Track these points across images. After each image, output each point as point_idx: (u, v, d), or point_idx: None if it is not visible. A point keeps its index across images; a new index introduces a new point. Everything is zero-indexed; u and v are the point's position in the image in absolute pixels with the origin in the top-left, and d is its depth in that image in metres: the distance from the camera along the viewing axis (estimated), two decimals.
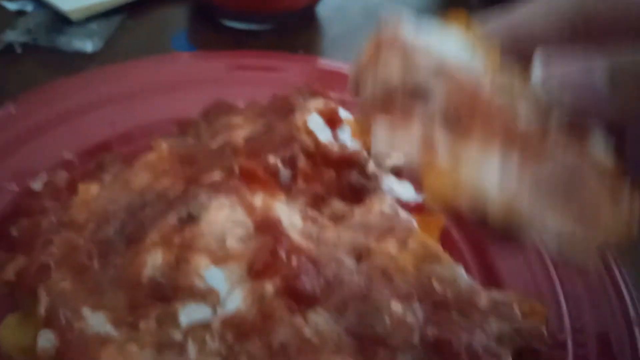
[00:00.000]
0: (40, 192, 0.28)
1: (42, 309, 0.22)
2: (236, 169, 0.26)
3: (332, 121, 0.32)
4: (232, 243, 0.23)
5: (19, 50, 0.42)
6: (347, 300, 0.23)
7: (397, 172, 0.32)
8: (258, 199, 0.25)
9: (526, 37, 0.18)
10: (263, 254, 0.23)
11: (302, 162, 0.30)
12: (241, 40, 0.46)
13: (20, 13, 0.46)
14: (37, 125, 0.32)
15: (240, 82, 0.37)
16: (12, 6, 0.46)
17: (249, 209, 0.24)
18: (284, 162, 0.29)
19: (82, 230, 0.26)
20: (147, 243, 0.24)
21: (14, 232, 0.26)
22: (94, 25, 0.45)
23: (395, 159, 0.34)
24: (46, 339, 0.21)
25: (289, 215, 0.25)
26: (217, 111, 0.33)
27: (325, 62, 0.40)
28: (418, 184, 0.31)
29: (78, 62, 0.42)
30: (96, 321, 0.22)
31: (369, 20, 0.50)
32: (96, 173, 0.29)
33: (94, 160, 0.31)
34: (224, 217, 0.24)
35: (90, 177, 0.29)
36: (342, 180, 0.30)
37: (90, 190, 0.29)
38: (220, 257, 0.22)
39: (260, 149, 0.30)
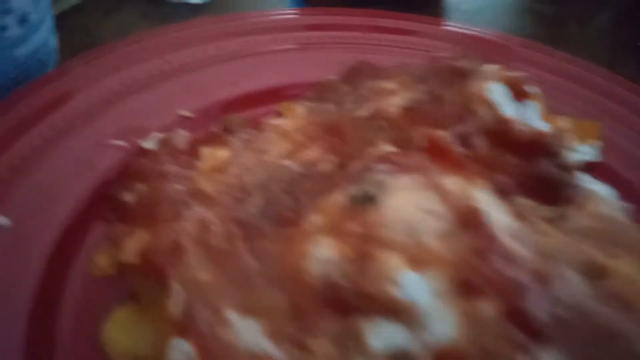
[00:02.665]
0: (155, 152, 0.23)
1: (173, 306, 0.16)
2: (419, 141, 0.20)
3: (517, 94, 0.25)
4: (430, 240, 0.17)
5: None
6: (587, 337, 0.16)
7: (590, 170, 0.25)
8: (451, 183, 0.19)
9: None
10: (475, 260, 0.16)
11: (478, 142, 0.23)
12: (358, 2, 0.40)
13: None
14: (147, 76, 0.27)
15: (380, 44, 0.31)
16: None
17: (443, 194, 0.18)
18: (456, 139, 0.23)
19: (214, 204, 0.20)
20: (306, 227, 0.18)
21: (128, 197, 0.20)
22: None
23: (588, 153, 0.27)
24: (180, 351, 0.15)
25: (493, 209, 0.19)
26: (362, 74, 0.27)
27: (478, 29, 0.33)
28: (622, 187, 0.25)
29: (184, 13, 0.36)
30: (247, 331, 0.16)
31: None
32: (222, 136, 0.24)
33: (214, 121, 0.26)
34: (412, 203, 0.18)
35: (215, 140, 0.24)
36: (528, 170, 0.24)
37: (217, 155, 0.23)
38: (418, 259, 0.16)
39: (424, 121, 0.24)
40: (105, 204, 0.21)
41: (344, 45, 0.30)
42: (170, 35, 0.29)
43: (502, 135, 0.23)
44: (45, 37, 0.28)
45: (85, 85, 0.25)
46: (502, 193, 0.22)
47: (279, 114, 0.27)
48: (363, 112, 0.25)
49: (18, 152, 0.22)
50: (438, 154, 0.20)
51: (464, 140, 0.23)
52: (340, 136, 0.24)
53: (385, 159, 0.19)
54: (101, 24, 0.35)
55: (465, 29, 0.34)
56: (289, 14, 0.33)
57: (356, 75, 0.27)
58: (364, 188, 0.18)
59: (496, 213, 0.19)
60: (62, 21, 0.34)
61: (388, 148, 0.20)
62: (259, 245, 0.18)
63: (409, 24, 0.33)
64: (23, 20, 0.25)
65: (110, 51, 0.27)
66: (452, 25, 0.34)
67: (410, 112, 0.24)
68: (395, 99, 0.25)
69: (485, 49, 0.31)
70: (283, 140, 0.24)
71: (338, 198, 0.18)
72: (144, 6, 0.37)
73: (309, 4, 0.39)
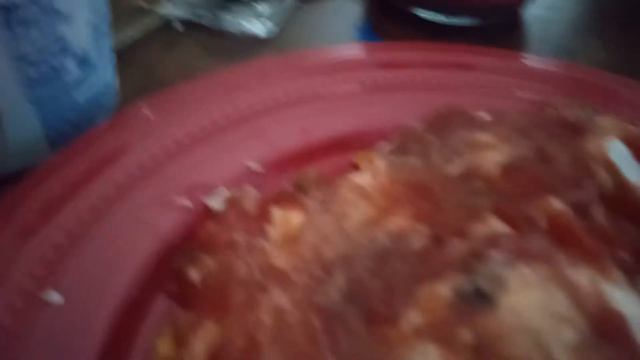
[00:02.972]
0: (222, 215, 0.20)
1: None
2: (540, 221, 0.17)
3: (637, 152, 0.22)
4: (561, 356, 0.14)
5: (179, 28, 0.36)
6: None
7: None
8: (581, 276, 0.15)
9: None
10: None
11: (597, 212, 0.20)
12: (435, 36, 0.37)
13: None
14: (211, 122, 0.24)
15: (465, 84, 0.27)
16: None
17: (574, 292, 0.15)
18: (571, 208, 0.19)
19: (290, 285, 0.17)
20: (404, 328, 0.15)
21: (194, 275, 0.18)
22: (265, 6, 0.37)
23: None
24: None
25: (631, 308, 0.15)
26: (451, 122, 0.24)
27: (574, 67, 0.30)
28: None
29: (247, 46, 0.34)
30: None
31: (577, 33, 0.40)
32: (295, 196, 0.21)
33: (284, 174, 0.23)
34: (537, 304, 0.15)
35: (287, 200, 0.21)
36: None
37: (290, 220, 0.20)
38: None
39: (530, 184, 0.21)
40: (168, 275, 0.19)
41: (424, 86, 0.27)
42: (234, 76, 0.27)
43: (623, 204, 0.20)
44: (105, 77, 0.26)
45: (146, 134, 0.23)
46: (626, 273, 0.19)
47: (355, 166, 0.25)
48: (455, 168, 0.22)
49: (73, 214, 0.20)
50: (561, 235, 0.16)
51: (580, 209, 0.20)
52: (430, 199, 0.21)
53: (498, 241, 0.16)
54: (162, 60, 0.33)
55: (560, 66, 0.30)
56: (362, 50, 0.30)
57: (444, 123, 0.24)
58: (475, 281, 0.15)
59: (634, 313, 0.15)
60: (121, 56, 0.33)
61: (496, 224, 0.17)
62: (344, 344, 0.15)
63: (494, 60, 0.30)
64: (82, 60, 0.24)
65: (172, 95, 0.25)
66: (540, 61, 0.31)
67: (513, 172, 0.21)
68: (493, 154, 0.22)
69: (585, 91, 0.28)
70: (363, 202, 0.21)
71: (441, 291, 0.15)
72: (206, 39, 0.35)
73: (380, 35, 0.37)
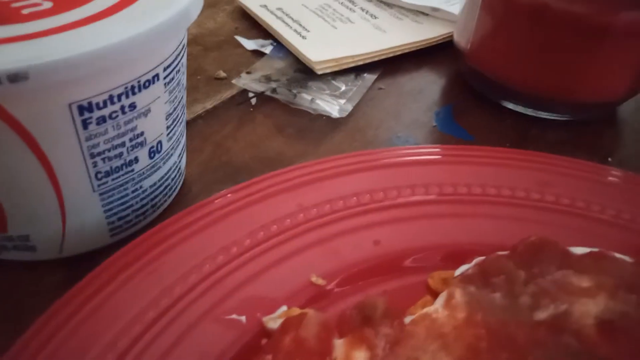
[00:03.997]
0: (277, 339, 0.19)
1: None
2: None
3: None
4: None
5: (253, 101, 0.35)
6: None
7: None
8: None
9: None
10: None
11: None
12: (523, 129, 0.34)
13: (254, 55, 0.39)
14: (280, 229, 0.23)
15: (558, 209, 0.25)
16: (248, 45, 0.40)
17: None
18: None
19: None
20: None
21: None
22: (340, 83, 0.36)
23: None
24: None
25: None
26: (544, 256, 0.21)
27: None
28: None
29: (319, 126, 0.33)
30: None
31: None
32: (360, 329, 0.19)
33: (350, 294, 0.21)
34: None
35: (351, 331, 0.19)
36: None
37: (353, 356, 0.18)
38: None
39: (633, 348, 0.18)
40: None
41: (507, 201, 0.25)
42: (303, 177, 0.25)
43: None
44: (176, 162, 0.26)
45: (209, 243, 0.22)
46: None
47: (430, 289, 0.22)
48: (543, 315, 0.19)
49: (130, 331, 0.18)
50: None
51: None
52: (512, 352, 0.18)
53: None
54: (232, 134, 0.32)
55: None
56: (441, 153, 0.28)
57: (534, 255, 0.22)
58: None
59: None
60: (191, 126, 0.32)
61: None
62: None
63: (595, 177, 0.27)
64: (155, 150, 0.23)
65: (239, 193, 0.24)
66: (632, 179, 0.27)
67: (611, 330, 0.18)
68: (589, 304, 0.19)
69: None
70: (436, 343, 0.19)
71: None
72: (279, 115, 0.34)
73: (461, 123, 0.35)
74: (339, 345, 0.19)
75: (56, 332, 0.18)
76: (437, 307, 0.20)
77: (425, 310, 0.20)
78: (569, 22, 0.31)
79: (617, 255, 0.21)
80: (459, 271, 0.22)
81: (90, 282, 0.20)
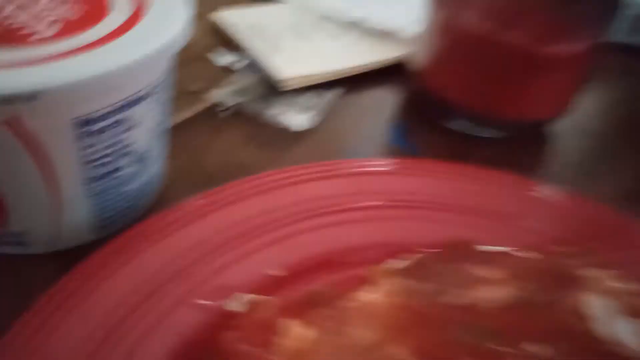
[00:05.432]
0: (239, 320, 0.23)
1: None
2: None
3: (630, 309, 0.23)
4: None
5: (222, 114, 0.39)
6: None
7: None
8: None
9: None
10: None
11: None
12: (465, 146, 0.39)
13: (226, 70, 0.43)
14: (245, 231, 0.27)
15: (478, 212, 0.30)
16: (221, 60, 0.44)
17: None
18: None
19: None
20: None
21: None
22: (306, 99, 0.40)
23: None
24: None
25: None
26: (461, 255, 0.26)
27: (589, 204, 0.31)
28: None
29: (286, 138, 0.37)
30: None
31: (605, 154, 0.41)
32: (307, 311, 0.23)
33: (301, 281, 0.26)
34: None
35: (298, 312, 0.23)
36: None
37: (302, 334, 0.22)
38: None
39: (518, 328, 0.22)
40: None
41: (440, 207, 0.30)
42: (269, 183, 0.29)
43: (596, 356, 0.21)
44: (157, 170, 0.29)
45: (184, 240, 0.26)
46: None
47: (370, 280, 0.27)
48: (459, 300, 0.24)
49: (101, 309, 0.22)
50: None
51: None
52: (423, 327, 0.22)
53: None
54: (207, 145, 0.36)
55: (571, 200, 0.32)
56: (390, 165, 0.32)
57: (452, 253, 0.26)
58: None
59: None
60: (170, 137, 0.36)
61: None
62: None
63: (506, 188, 0.32)
64: (140, 159, 0.27)
65: (211, 197, 0.28)
66: (551, 193, 0.32)
67: (509, 314, 0.23)
68: (490, 292, 0.24)
69: (593, 230, 0.29)
70: (367, 325, 0.23)
71: None
72: (250, 128, 0.38)
73: (410, 138, 0.39)
74: (292, 325, 0.23)
75: (41, 327, 0.22)
76: (368, 296, 0.24)
77: (363, 296, 0.24)
78: (504, 51, 0.36)
79: (521, 252, 0.26)
80: (395, 265, 0.27)
81: (78, 271, 0.24)
